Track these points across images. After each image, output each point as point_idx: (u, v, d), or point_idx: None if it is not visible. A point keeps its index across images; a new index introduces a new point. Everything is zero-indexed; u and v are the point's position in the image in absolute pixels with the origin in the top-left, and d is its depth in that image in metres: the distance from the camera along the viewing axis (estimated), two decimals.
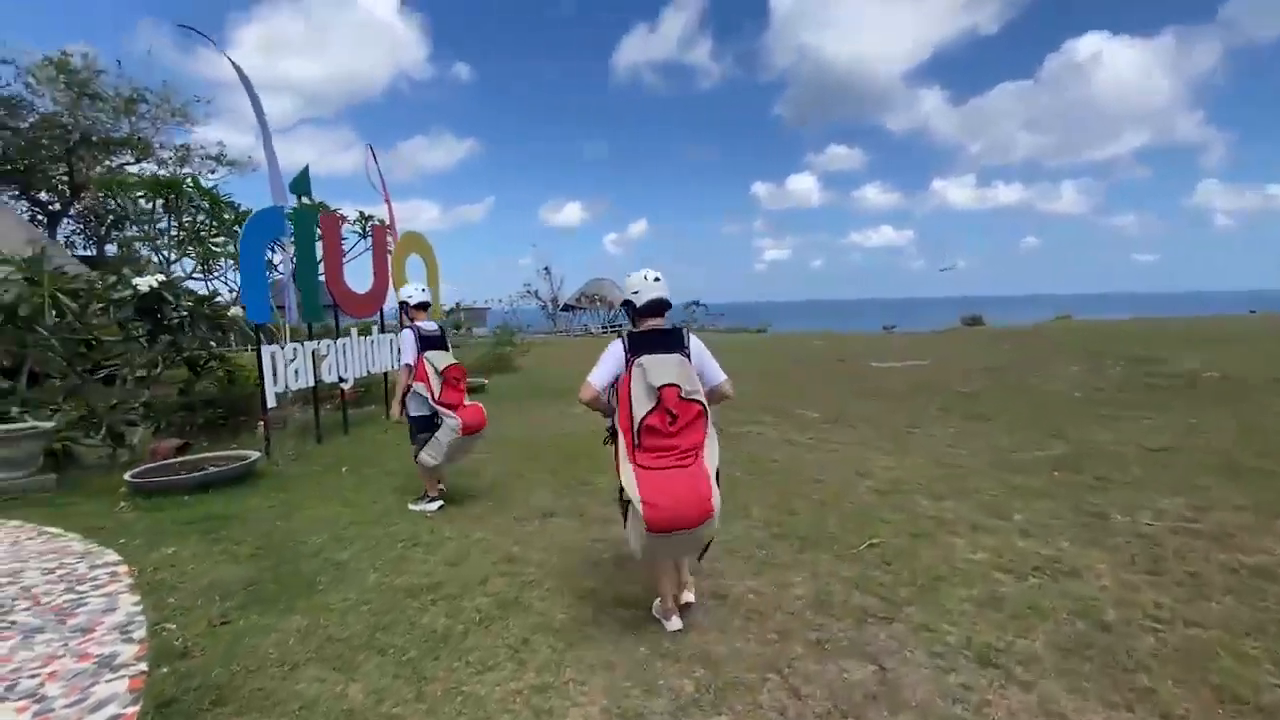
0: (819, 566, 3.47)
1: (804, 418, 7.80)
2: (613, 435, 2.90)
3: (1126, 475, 4.93)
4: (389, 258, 8.90)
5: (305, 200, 7.28)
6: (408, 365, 4.54)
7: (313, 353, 7.02)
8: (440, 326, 4.81)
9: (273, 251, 9.32)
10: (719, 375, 2.85)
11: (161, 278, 5.67)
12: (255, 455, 5.74)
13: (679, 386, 2.52)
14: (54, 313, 5.08)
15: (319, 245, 7.61)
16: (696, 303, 38.02)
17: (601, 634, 2.82)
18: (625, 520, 2.72)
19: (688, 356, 2.68)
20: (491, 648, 2.74)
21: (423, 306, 4.78)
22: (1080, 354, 12.07)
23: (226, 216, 9.52)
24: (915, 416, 7.61)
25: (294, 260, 7.04)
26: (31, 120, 16.70)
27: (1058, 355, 12.27)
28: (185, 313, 5.93)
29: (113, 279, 5.57)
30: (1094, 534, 3.81)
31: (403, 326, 5.35)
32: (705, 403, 2.62)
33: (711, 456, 2.60)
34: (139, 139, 18.65)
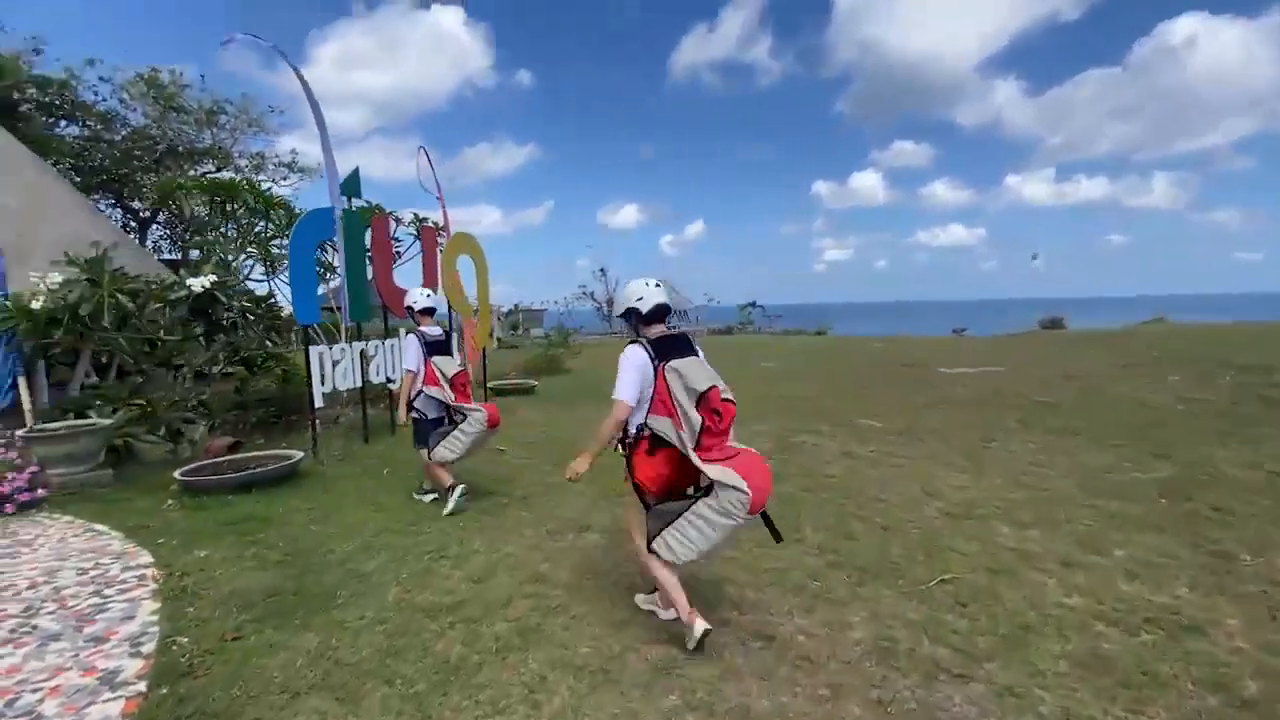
0: (880, 605, 3.05)
1: (866, 428, 7.26)
2: (630, 445, 2.72)
3: (1252, 506, 4.23)
4: (439, 258, 8.90)
5: (356, 201, 7.31)
6: (410, 371, 4.66)
7: (360, 353, 7.04)
8: (446, 331, 4.85)
9: (324, 252, 9.56)
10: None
11: (213, 278, 5.76)
12: (299, 455, 5.74)
13: (718, 387, 2.54)
14: (114, 313, 5.22)
15: (368, 246, 7.66)
16: (753, 304, 37.19)
17: (627, 676, 2.51)
18: (659, 531, 2.56)
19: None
20: (505, 684, 2.47)
21: (428, 312, 4.85)
22: (1180, 361, 10.89)
23: (284, 217, 9.84)
24: (990, 429, 6.94)
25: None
26: (124, 133, 17.89)
27: (1153, 362, 11.12)
28: (238, 312, 6.01)
29: (170, 280, 5.71)
30: (1218, 579, 3.21)
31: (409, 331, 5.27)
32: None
33: None
34: (219, 149, 19.70)
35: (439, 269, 8.76)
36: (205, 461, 5.71)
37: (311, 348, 5.67)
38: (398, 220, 10.19)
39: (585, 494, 4.98)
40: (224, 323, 6.03)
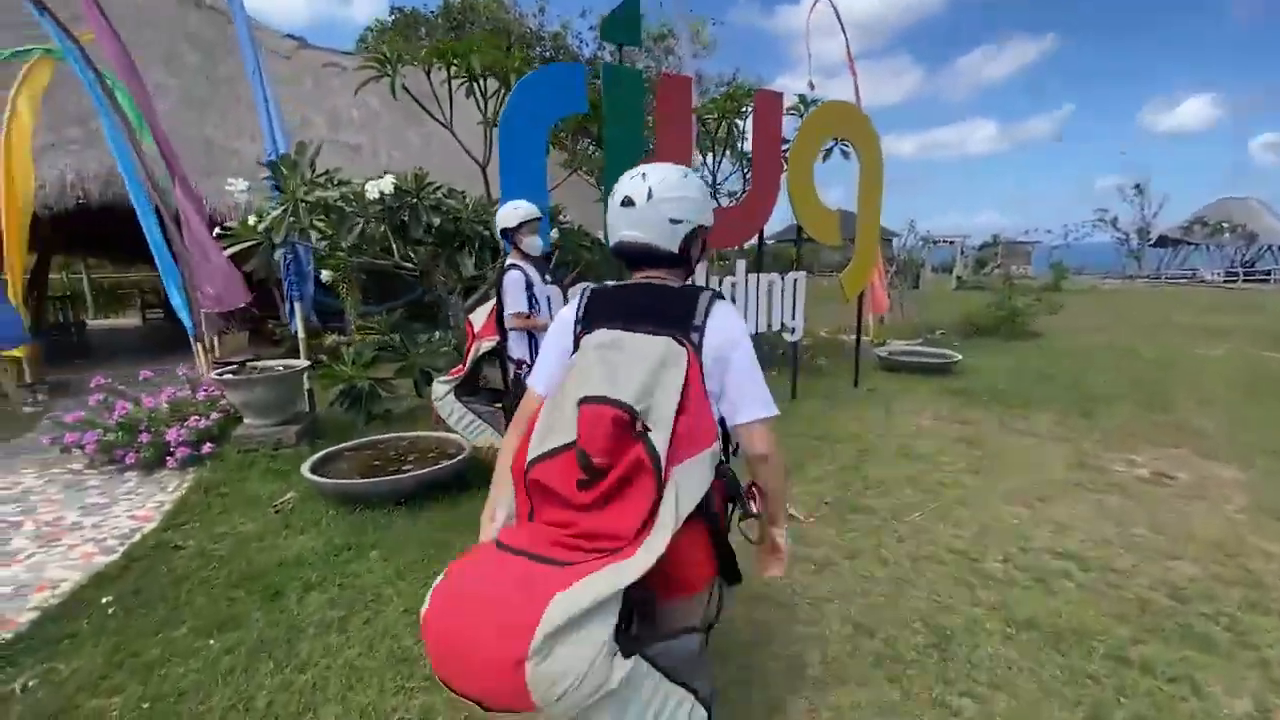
0: None
1: None
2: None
3: None
4: (784, 147, 5.50)
5: (628, 52, 4.58)
6: (520, 314, 3.15)
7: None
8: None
9: None
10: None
11: (392, 181, 4.02)
12: (463, 453, 3.66)
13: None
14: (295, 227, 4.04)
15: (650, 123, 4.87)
16: None
17: None
18: None
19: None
20: None
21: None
22: None
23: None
24: None
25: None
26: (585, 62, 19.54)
27: None
28: (442, 224, 4.18)
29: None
30: None
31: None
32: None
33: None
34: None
35: (784, 161, 5.38)
36: (352, 444, 4.07)
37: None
38: (800, 108, 6.81)
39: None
40: (419, 240, 4.29)
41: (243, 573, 2.78)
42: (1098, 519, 3.24)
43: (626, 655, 1.03)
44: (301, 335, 5.35)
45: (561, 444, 1.15)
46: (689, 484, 1.14)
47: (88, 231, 9.90)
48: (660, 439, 1.11)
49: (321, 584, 2.69)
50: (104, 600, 2.54)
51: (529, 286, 3.21)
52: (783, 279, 5.36)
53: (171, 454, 3.94)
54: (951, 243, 23.45)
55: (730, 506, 1.35)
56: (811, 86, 8.12)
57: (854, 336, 6.49)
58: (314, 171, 4.27)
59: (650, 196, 1.27)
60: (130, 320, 14.58)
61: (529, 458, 1.19)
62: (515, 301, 3.15)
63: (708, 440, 1.19)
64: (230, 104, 10.22)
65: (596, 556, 1.08)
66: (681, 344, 1.21)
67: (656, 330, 1.22)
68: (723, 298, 1.30)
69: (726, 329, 1.25)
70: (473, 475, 3.76)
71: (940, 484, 3.71)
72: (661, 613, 1.21)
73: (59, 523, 3.24)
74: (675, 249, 1.31)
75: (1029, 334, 9.13)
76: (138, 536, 3.07)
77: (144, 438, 3.93)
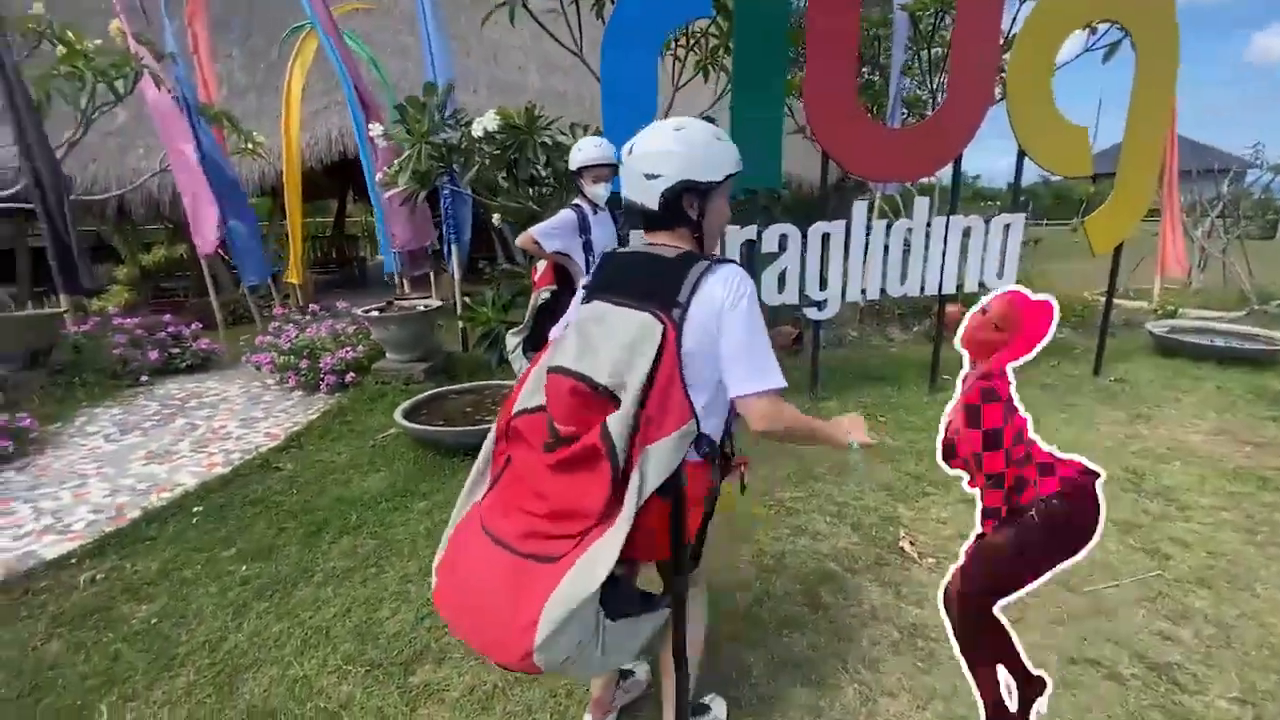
0: None
1: None
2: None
3: None
4: (998, 49, 4.03)
5: None
6: (531, 238, 2.70)
7: (746, 247, 3.80)
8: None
9: None
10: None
11: (495, 117, 3.73)
12: None
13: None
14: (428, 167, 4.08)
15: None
16: None
17: None
18: None
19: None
20: None
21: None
22: None
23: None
24: None
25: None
26: None
27: None
28: (550, 161, 3.87)
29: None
30: None
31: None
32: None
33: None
34: None
35: (994, 65, 3.96)
36: (494, 384, 4.16)
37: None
38: None
39: None
40: (541, 181, 4.03)
41: (306, 504, 2.92)
42: None
43: (615, 619, 1.13)
44: (457, 277, 5.62)
45: (538, 405, 1.25)
46: (656, 464, 1.13)
47: (352, 180, 11.81)
48: (620, 421, 1.12)
49: (357, 529, 2.71)
50: (194, 510, 2.87)
51: (584, 231, 2.76)
52: (986, 225, 4.04)
53: (323, 380, 4.41)
54: None
55: (713, 489, 1.30)
56: None
57: (1127, 302, 4.73)
58: (443, 113, 4.26)
59: (631, 151, 1.25)
60: None
61: (514, 410, 1.28)
62: (542, 228, 2.72)
63: (677, 421, 1.16)
64: (459, 57, 11.11)
65: (568, 540, 1.13)
66: (660, 319, 1.17)
67: (639, 305, 1.20)
68: (727, 263, 1.23)
69: (712, 302, 1.19)
70: None
71: (1176, 542, 2.45)
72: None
73: (219, 430, 3.81)
74: (654, 206, 1.25)
75: None
76: (255, 453, 3.45)
77: (304, 363, 4.45)
